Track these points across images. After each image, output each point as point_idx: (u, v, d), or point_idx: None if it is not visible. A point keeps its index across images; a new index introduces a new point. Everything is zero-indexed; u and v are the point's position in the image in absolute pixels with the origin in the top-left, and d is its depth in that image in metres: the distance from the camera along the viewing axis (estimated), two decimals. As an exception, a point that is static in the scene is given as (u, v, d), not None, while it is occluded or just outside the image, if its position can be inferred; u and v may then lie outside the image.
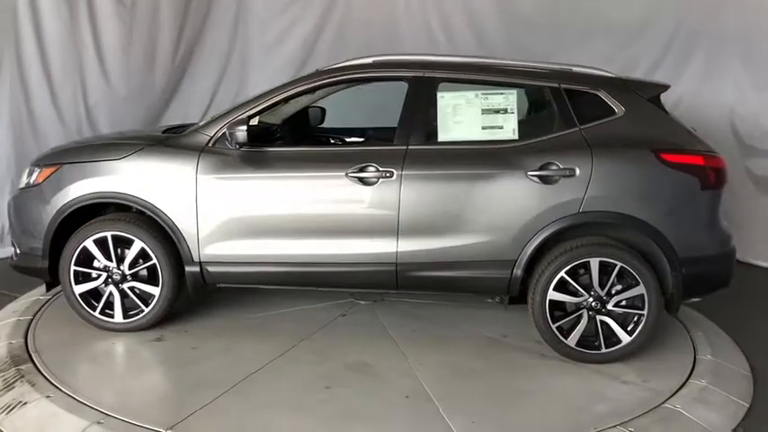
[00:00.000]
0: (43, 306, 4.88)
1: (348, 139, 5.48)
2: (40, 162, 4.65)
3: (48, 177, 4.51)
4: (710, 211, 4.30)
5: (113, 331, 4.50)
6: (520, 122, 4.36)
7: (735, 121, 6.60)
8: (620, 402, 3.87)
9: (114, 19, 6.44)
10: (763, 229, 6.49)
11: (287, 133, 4.97)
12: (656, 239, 4.21)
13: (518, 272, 4.28)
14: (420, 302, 5.06)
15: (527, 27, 6.94)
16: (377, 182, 4.26)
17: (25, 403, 3.65)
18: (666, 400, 3.87)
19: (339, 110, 5.69)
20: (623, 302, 4.26)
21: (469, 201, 4.26)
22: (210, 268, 4.42)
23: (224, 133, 4.33)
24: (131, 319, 4.51)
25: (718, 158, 4.31)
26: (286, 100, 4.50)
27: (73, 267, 4.47)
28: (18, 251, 4.68)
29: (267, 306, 5.00)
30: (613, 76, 4.48)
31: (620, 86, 4.38)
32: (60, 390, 3.76)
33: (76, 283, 4.49)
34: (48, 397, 3.68)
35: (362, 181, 4.26)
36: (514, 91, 4.36)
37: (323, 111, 5.84)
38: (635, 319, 4.25)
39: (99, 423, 3.44)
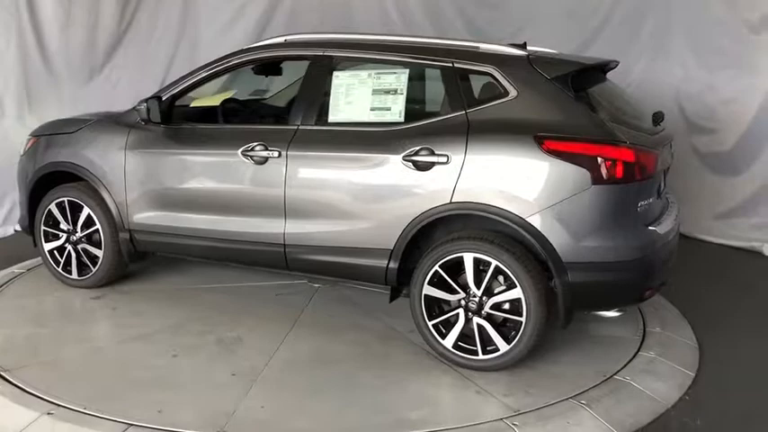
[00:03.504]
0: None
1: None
2: (31, 134, 5.32)
3: (30, 148, 5.17)
4: (611, 211, 3.69)
5: (71, 286, 5.03)
6: (412, 104, 4.11)
7: (681, 100, 6.77)
8: (447, 411, 3.61)
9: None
10: (709, 204, 6.66)
11: (219, 111, 5.09)
12: (536, 238, 3.72)
13: (394, 262, 4.05)
14: (371, 291, 4.89)
15: (483, 6, 6.48)
16: (266, 161, 4.27)
17: (-29, 396, 3.60)
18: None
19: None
20: (506, 306, 3.84)
21: (349, 185, 4.12)
22: (138, 236, 4.76)
23: None
24: (84, 277, 5.01)
25: (625, 149, 3.66)
26: (205, 80, 4.64)
27: (42, 227, 5.07)
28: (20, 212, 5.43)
29: (224, 278, 5.21)
30: (516, 54, 3.99)
31: (519, 65, 3.90)
32: (8, 381, 3.72)
33: (46, 242, 5.10)
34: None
35: (254, 160, 4.30)
36: (407, 71, 4.09)
37: None
38: (515, 325, 3.81)
39: (49, 414, 3.41)
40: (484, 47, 4.09)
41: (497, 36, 5.35)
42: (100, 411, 3.41)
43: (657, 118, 4.28)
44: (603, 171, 3.62)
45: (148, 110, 4.47)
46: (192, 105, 5.09)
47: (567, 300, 3.75)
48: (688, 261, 4.46)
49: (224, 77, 5.54)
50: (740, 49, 6.38)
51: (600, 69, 4.43)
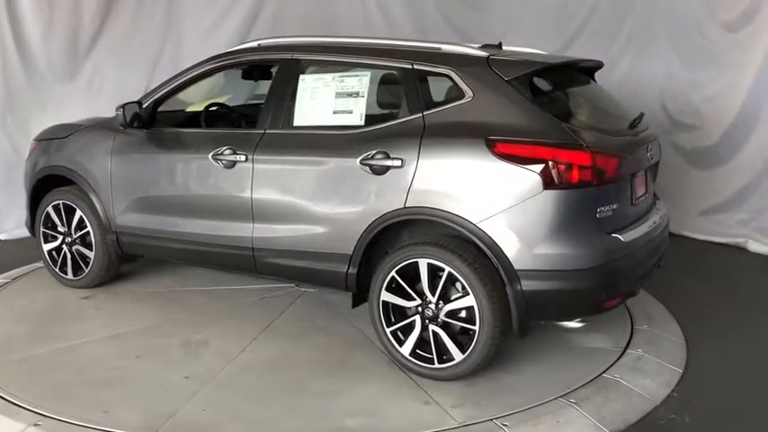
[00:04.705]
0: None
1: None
2: (34, 139, 5.51)
3: (32, 152, 5.36)
4: (564, 217, 3.52)
5: (67, 286, 5.18)
6: (373, 107, 4.06)
7: (664, 98, 6.85)
8: (388, 420, 3.48)
9: (33, 4, 6.41)
10: (694, 201, 6.68)
11: (202, 116, 5.12)
12: (487, 244, 3.60)
13: (353, 268, 3.99)
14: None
15: (468, 8, 6.73)
16: (234, 165, 4.29)
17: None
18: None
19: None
20: (462, 314, 3.72)
21: (311, 189, 4.10)
22: (123, 238, 4.86)
23: None
24: (78, 277, 5.16)
25: (580, 153, 3.49)
26: (184, 86, 4.69)
27: (42, 229, 5.25)
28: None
29: (216, 281, 5.23)
30: (475, 55, 3.87)
31: (477, 67, 3.78)
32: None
33: (45, 243, 5.27)
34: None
35: (223, 163, 4.32)
36: (368, 73, 4.04)
37: None
38: (470, 334, 3.70)
39: (36, 425, 3.39)
40: (445, 48, 4.00)
41: (482, 38, 5.20)
42: (48, 410, 3.48)
43: (635, 120, 4.09)
44: (555, 175, 3.47)
45: (125, 115, 4.56)
46: (187, 110, 5.18)
47: (521, 308, 3.61)
48: (674, 258, 4.46)
49: (225, 82, 5.70)
50: (720, 48, 6.40)
51: (579, 70, 4.28)
